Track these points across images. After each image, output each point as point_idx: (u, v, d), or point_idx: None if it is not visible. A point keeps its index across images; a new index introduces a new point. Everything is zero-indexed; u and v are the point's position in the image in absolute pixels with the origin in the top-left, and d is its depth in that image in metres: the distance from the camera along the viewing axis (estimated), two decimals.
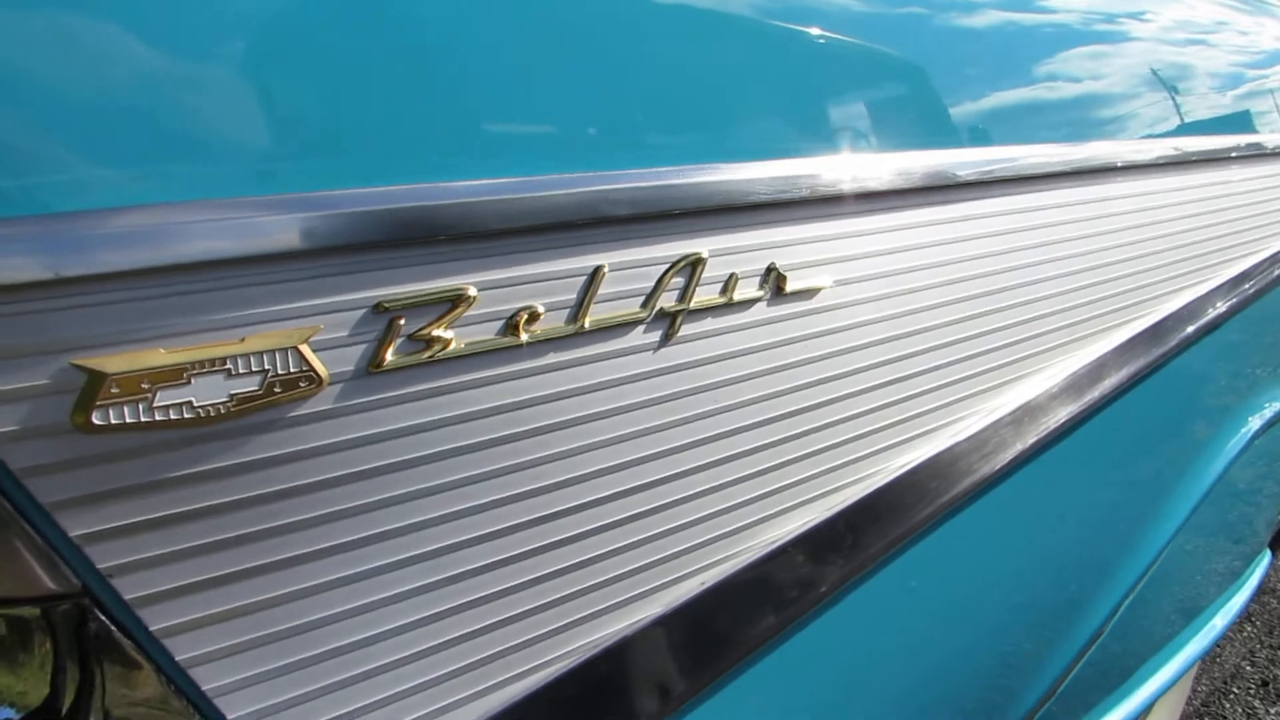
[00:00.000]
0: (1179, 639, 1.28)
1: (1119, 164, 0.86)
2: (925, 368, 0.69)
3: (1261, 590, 1.89)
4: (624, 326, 0.52)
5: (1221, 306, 1.09)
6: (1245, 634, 1.76)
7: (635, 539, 0.53)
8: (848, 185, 0.61)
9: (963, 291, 0.71)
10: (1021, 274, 0.78)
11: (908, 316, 0.67)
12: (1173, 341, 1.03)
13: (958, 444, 0.74)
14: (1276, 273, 1.22)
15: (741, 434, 0.58)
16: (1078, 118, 0.84)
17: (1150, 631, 1.27)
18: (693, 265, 0.55)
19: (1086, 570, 1.02)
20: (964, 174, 0.69)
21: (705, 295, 0.56)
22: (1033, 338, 0.80)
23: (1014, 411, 0.79)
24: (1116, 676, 1.20)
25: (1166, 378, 1.04)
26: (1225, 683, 1.61)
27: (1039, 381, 0.81)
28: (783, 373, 0.60)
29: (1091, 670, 1.06)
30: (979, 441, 0.76)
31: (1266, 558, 1.32)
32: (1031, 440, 0.83)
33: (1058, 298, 0.82)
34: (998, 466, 0.79)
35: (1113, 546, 1.06)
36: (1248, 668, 1.66)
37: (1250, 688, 1.60)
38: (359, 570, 0.43)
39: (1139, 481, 1.10)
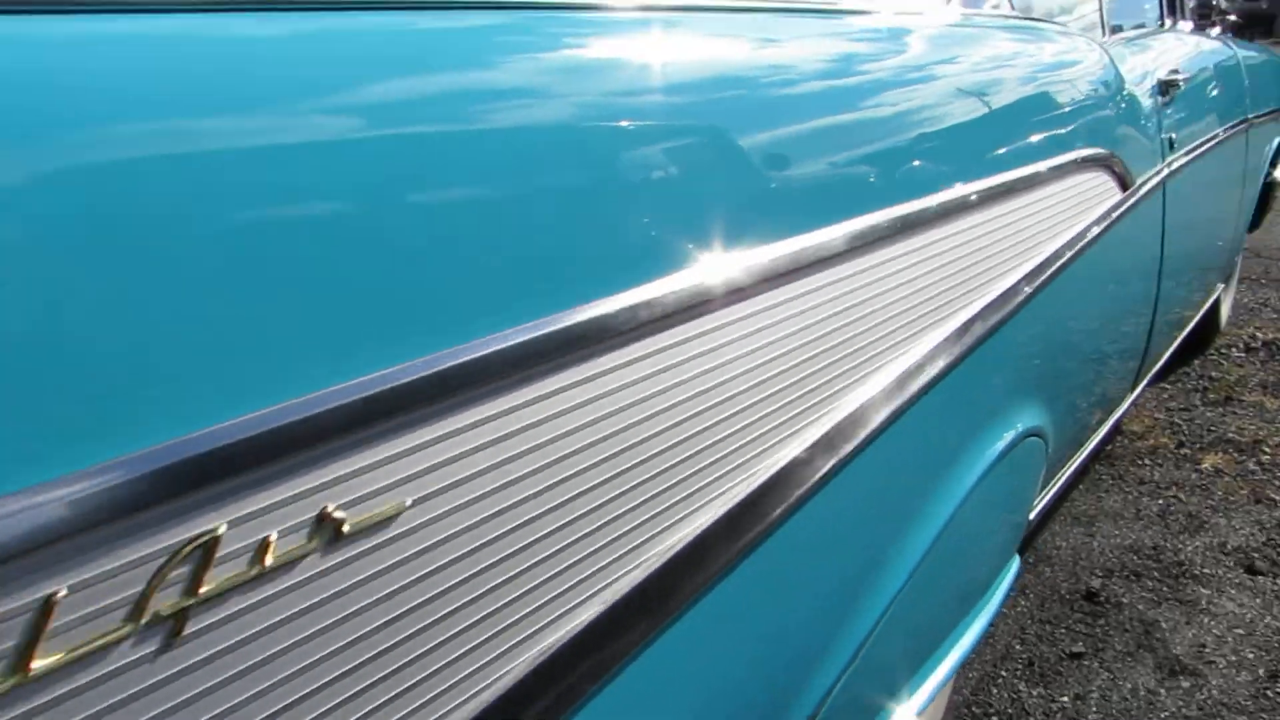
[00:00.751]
0: (935, 655, 1.33)
1: (815, 259, 0.83)
2: (555, 548, 0.65)
3: (1038, 560, 2.01)
4: (101, 650, 0.44)
5: (952, 353, 1.10)
6: (1018, 610, 1.86)
7: None
8: (407, 392, 0.55)
9: (603, 451, 0.67)
10: (691, 404, 0.74)
11: (526, 503, 0.63)
12: (906, 394, 1.03)
13: (621, 599, 0.71)
14: (1010, 306, 1.24)
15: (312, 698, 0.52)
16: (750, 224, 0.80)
17: (907, 648, 1.32)
18: (204, 548, 0.47)
19: (825, 620, 1.03)
20: (558, 340, 0.63)
21: (228, 573, 0.48)
22: (705, 467, 0.76)
23: (693, 541, 0.76)
24: (881, 692, 1.24)
25: (907, 423, 1.04)
26: (995, 665, 1.69)
27: (716, 507, 0.78)
28: (354, 620, 0.54)
29: (858, 680, 1.09)
30: (655, 582, 0.73)
31: (1015, 563, 1.38)
32: (740, 543, 0.81)
33: (732, 419, 0.79)
34: (709, 574, 0.78)
35: (854, 585, 1.08)
36: (1017, 646, 1.75)
37: (1018, 668, 1.68)
38: None
39: (882, 516, 1.12)
